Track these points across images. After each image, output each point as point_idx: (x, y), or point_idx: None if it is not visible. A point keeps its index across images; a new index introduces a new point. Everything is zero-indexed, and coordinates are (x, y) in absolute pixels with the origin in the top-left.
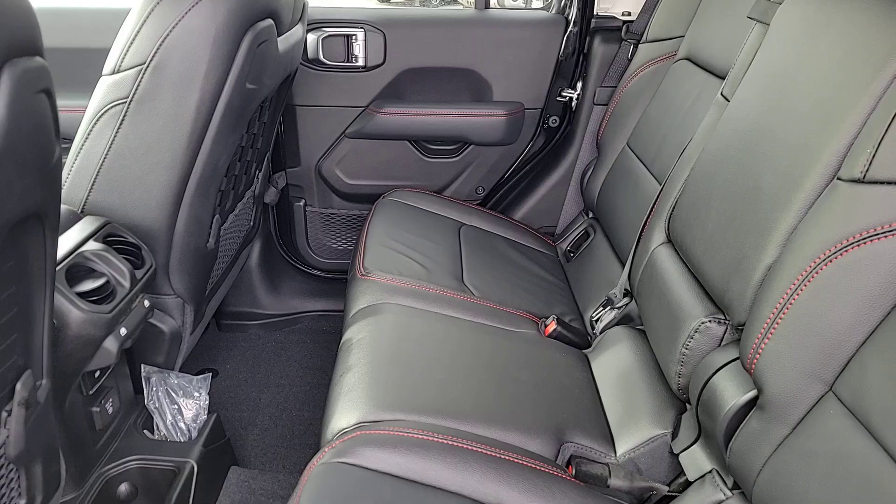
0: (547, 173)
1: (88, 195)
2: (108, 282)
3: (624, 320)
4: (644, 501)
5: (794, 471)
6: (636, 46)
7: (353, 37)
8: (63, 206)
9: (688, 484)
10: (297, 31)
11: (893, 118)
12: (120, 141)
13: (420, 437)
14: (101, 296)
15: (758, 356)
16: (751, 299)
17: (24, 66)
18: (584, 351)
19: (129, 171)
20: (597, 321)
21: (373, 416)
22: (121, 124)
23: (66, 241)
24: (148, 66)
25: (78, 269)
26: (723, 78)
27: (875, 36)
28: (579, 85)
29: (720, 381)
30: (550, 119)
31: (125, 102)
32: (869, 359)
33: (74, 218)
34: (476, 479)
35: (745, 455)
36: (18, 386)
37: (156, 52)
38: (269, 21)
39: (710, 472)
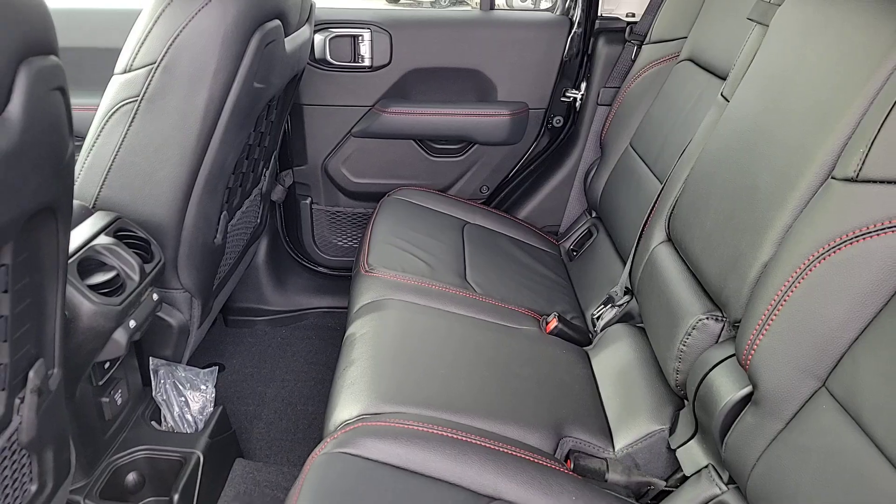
0: (551, 173)
1: (100, 191)
2: (118, 275)
3: (625, 318)
4: (641, 496)
5: (787, 465)
6: (640, 47)
7: (360, 37)
8: (75, 202)
9: (684, 479)
10: (305, 31)
11: (886, 118)
12: (131, 138)
13: (420, 429)
14: (112, 289)
15: (753, 352)
16: (747, 297)
17: (39, 65)
18: (584, 348)
19: (140, 167)
20: (598, 319)
21: (375, 408)
22: (132, 122)
23: (78, 235)
24: (158, 66)
25: (89, 262)
26: (724, 79)
27: (871, 37)
28: (583, 85)
29: (716, 378)
30: (554, 119)
31: (136, 101)
32: (861, 355)
33: (86, 213)
34: (475, 470)
35: (739, 450)
36: (31, 374)
37: (166, 52)
38: (277, 22)
39: (706, 467)
